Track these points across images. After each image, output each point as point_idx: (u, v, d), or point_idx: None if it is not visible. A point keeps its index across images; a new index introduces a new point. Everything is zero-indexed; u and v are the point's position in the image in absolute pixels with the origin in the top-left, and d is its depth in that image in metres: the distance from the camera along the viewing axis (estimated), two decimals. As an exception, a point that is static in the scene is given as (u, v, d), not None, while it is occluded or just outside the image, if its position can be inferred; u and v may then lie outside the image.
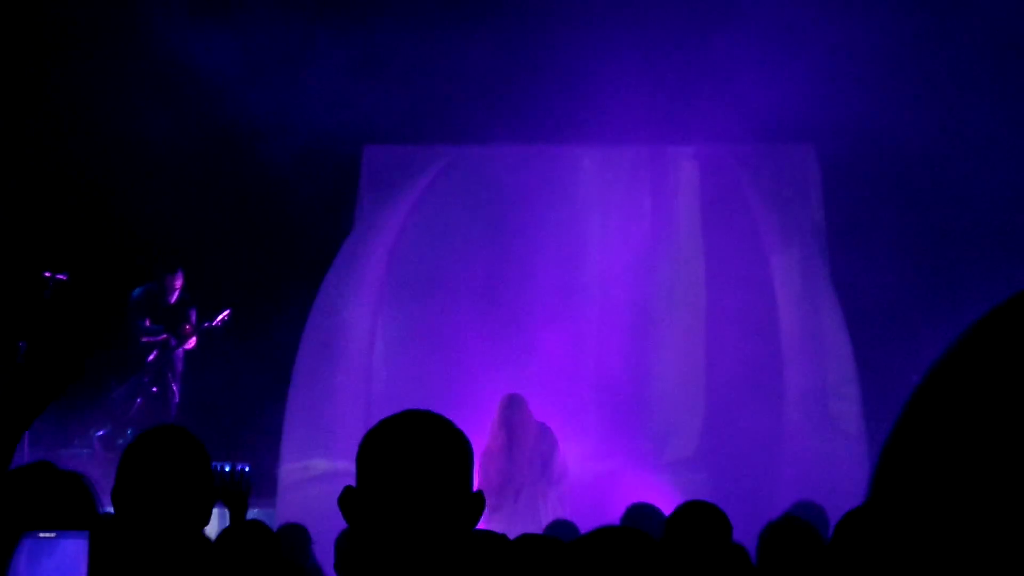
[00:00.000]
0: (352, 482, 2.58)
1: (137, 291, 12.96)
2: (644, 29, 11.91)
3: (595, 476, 11.46)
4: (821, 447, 11.01)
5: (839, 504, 10.13)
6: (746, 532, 6.53)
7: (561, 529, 8.06)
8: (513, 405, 10.51)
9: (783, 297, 11.58)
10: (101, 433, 12.73)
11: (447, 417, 2.64)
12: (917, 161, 11.99)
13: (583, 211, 12.06)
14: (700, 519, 4.87)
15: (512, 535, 3.92)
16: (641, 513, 6.79)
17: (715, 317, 11.83)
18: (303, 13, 12.64)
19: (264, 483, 11.45)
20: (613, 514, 8.27)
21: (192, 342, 12.80)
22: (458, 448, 2.58)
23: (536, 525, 9.97)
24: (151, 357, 12.85)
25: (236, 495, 4.85)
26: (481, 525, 2.89)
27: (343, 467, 10.70)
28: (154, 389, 12.80)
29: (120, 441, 12.35)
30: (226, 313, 12.66)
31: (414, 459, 2.54)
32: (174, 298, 12.87)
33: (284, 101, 12.21)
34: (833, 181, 11.88)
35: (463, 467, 2.59)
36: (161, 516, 3.38)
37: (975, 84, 12.06)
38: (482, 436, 10.24)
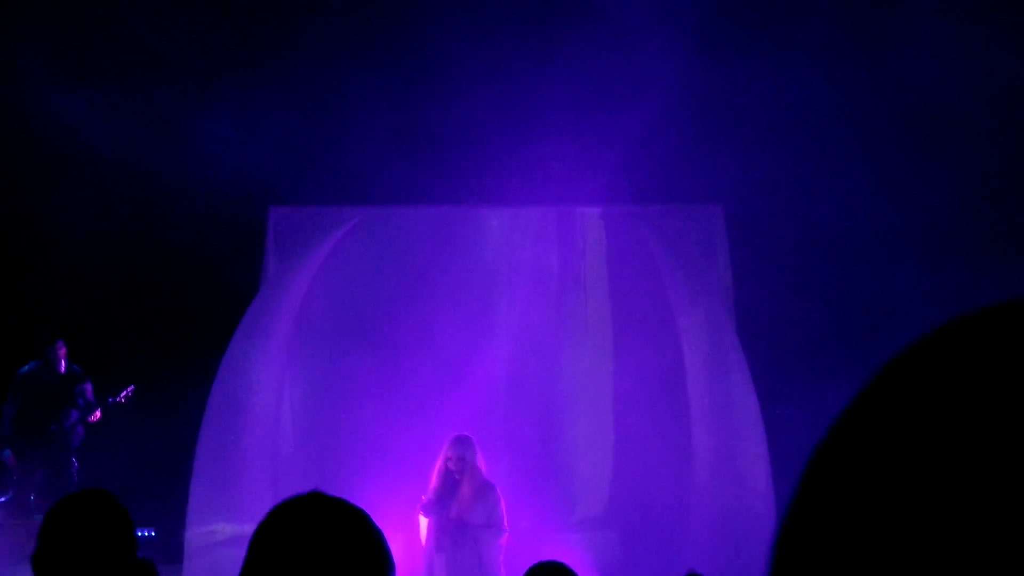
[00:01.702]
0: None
1: (24, 369, 12.79)
2: (550, 91, 12.00)
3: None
4: (730, 505, 11.05)
5: (747, 562, 10.29)
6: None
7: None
8: (459, 448, 10.46)
9: (690, 356, 11.65)
10: (3, 499, 12.54)
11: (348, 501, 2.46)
12: (823, 218, 12.16)
13: (491, 272, 12.10)
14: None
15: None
16: (545, 572, 6.83)
17: (623, 376, 11.89)
18: (204, 74, 12.61)
19: (171, 547, 11.50)
20: (519, 572, 8.53)
21: (97, 415, 12.62)
22: (365, 542, 2.38)
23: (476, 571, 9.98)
24: (52, 428, 12.66)
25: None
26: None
27: (250, 530, 10.50)
28: (48, 467, 12.63)
29: (27, 506, 12.23)
30: (130, 389, 12.48)
31: (310, 559, 2.34)
32: (63, 367, 12.69)
33: (184, 165, 12.13)
34: (739, 240, 11.99)
35: (372, 562, 2.37)
36: None
37: (882, 142, 12.31)
38: (389, 499, 10.28)
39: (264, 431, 11.57)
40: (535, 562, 6.87)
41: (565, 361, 12.00)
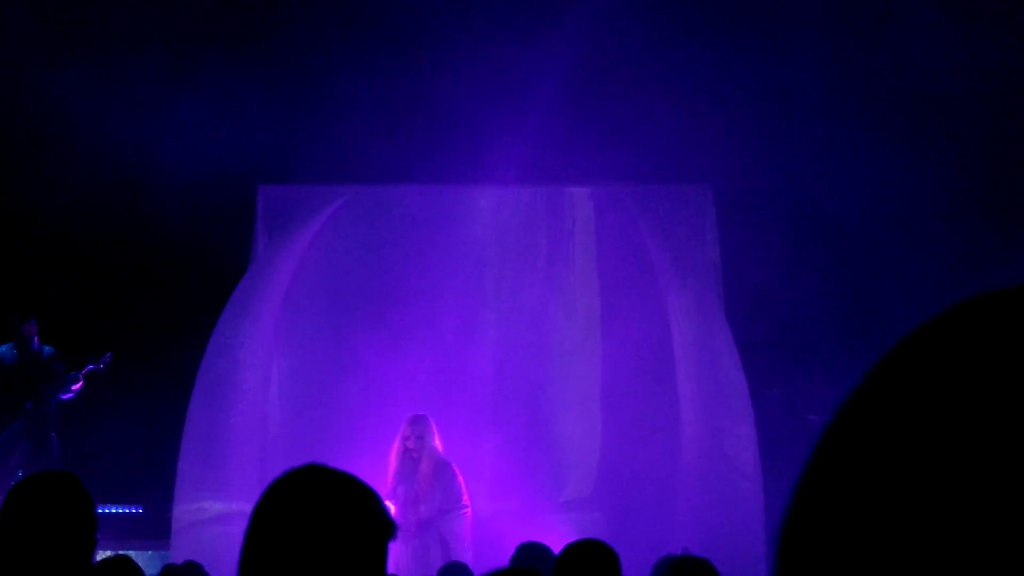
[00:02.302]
0: (245, 508, 2.49)
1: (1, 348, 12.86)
2: (541, 70, 11.98)
3: (491, 515, 11.53)
4: (717, 487, 11.05)
5: (736, 543, 10.33)
6: (641, 572, 6.59)
7: (454, 572, 8.12)
8: (416, 427, 10.60)
9: (679, 337, 11.64)
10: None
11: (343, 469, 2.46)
12: (814, 199, 12.16)
13: (480, 251, 12.07)
14: (589, 557, 4.88)
15: (404, 569, 3.89)
16: (531, 552, 6.81)
17: (611, 357, 11.86)
18: (191, 52, 12.59)
19: (158, 525, 11.61)
20: (506, 553, 8.29)
21: (78, 386, 12.62)
22: (361, 512, 2.38)
23: (426, 563, 9.96)
24: (28, 405, 12.67)
25: None
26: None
27: (238, 508, 10.63)
28: (26, 443, 12.67)
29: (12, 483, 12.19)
30: (108, 355, 12.50)
31: (313, 530, 2.35)
32: (35, 344, 12.74)
33: (172, 144, 12.13)
34: (729, 220, 11.99)
35: (368, 536, 2.38)
36: (41, 560, 3.36)
37: (874, 122, 12.28)
38: (375, 477, 10.23)
39: (252, 409, 11.56)
40: (520, 543, 7.10)
41: (554, 341, 11.97)
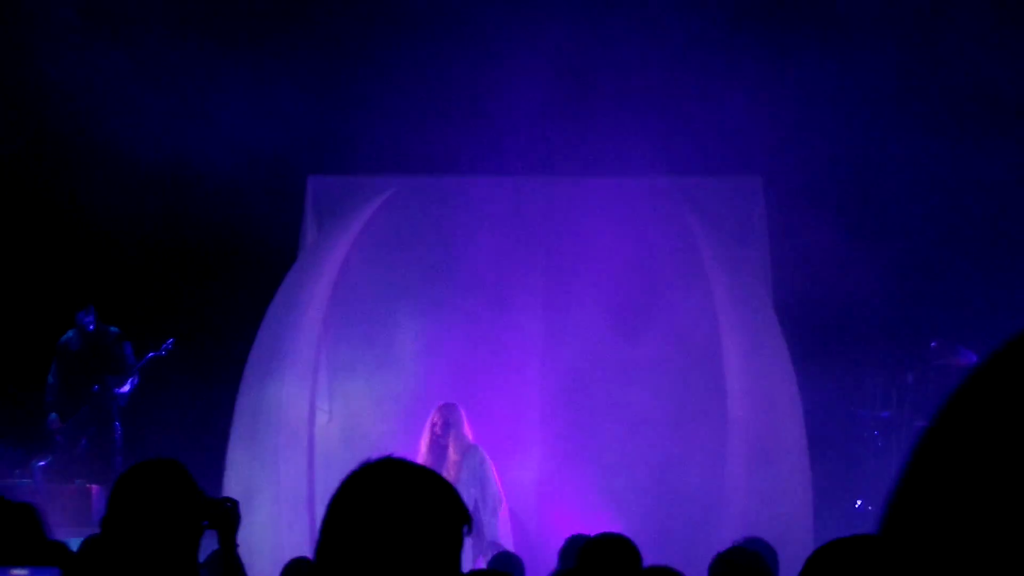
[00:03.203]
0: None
1: (62, 339, 13.06)
2: (592, 61, 11.99)
3: (538, 503, 11.59)
4: (765, 484, 10.94)
5: (784, 538, 10.27)
6: (690, 564, 6.57)
7: (506, 562, 8.19)
8: (444, 413, 10.61)
9: (727, 330, 11.52)
10: (42, 463, 12.72)
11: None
12: (866, 192, 12.17)
13: (530, 243, 12.03)
14: (611, 552, 4.93)
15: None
16: (580, 545, 6.84)
17: (659, 350, 11.75)
18: (243, 40, 12.61)
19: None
20: (554, 543, 8.55)
21: (129, 385, 12.82)
22: (440, 504, 2.40)
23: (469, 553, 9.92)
24: (95, 389, 12.83)
25: (227, 520, 4.92)
26: None
27: (286, 500, 10.87)
28: (92, 429, 12.85)
29: (67, 471, 12.41)
30: (170, 341, 12.64)
31: (393, 521, 2.37)
32: (91, 327, 12.94)
33: (223, 133, 12.13)
34: (778, 212, 11.89)
35: (449, 531, 2.40)
36: (151, 545, 3.47)
37: (934, 114, 12.15)
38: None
39: (299, 400, 11.53)
40: (570, 535, 7.31)
41: (601, 335, 11.88)
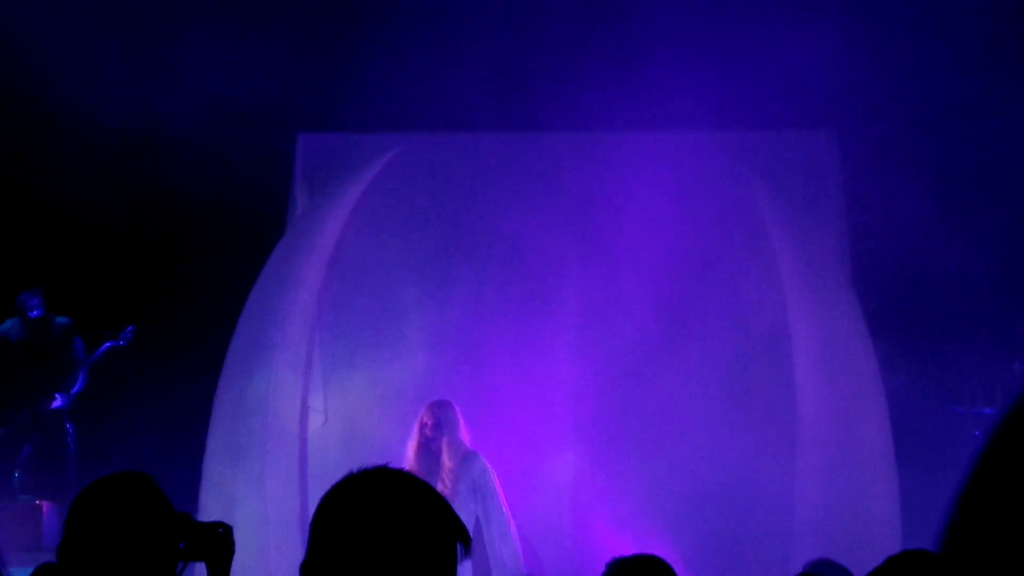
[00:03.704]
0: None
1: (2, 327, 13.01)
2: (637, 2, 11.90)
3: (572, 521, 11.56)
4: (844, 491, 10.91)
5: (864, 558, 10.11)
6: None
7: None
8: (436, 412, 10.48)
9: (796, 308, 11.47)
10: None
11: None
12: (962, 153, 11.96)
13: (560, 212, 11.92)
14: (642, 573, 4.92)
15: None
16: (629, 569, 6.66)
17: (715, 332, 11.67)
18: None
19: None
20: (591, 568, 8.22)
21: (74, 390, 12.68)
22: (434, 519, 2.51)
23: None
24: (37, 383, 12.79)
25: (219, 550, 4.78)
26: None
27: (273, 506, 10.98)
28: (37, 434, 12.80)
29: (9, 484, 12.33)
30: (130, 329, 12.53)
31: (384, 537, 2.47)
32: (34, 314, 12.89)
33: (200, 84, 12.03)
34: (855, 174, 11.78)
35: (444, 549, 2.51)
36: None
37: (1007, 61, 12.04)
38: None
39: (289, 393, 11.56)
40: (611, 559, 6.89)
41: (646, 321, 11.71)
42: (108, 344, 12.65)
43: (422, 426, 10.46)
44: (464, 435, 10.53)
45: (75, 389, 12.79)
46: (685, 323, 11.68)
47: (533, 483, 11.31)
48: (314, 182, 12.16)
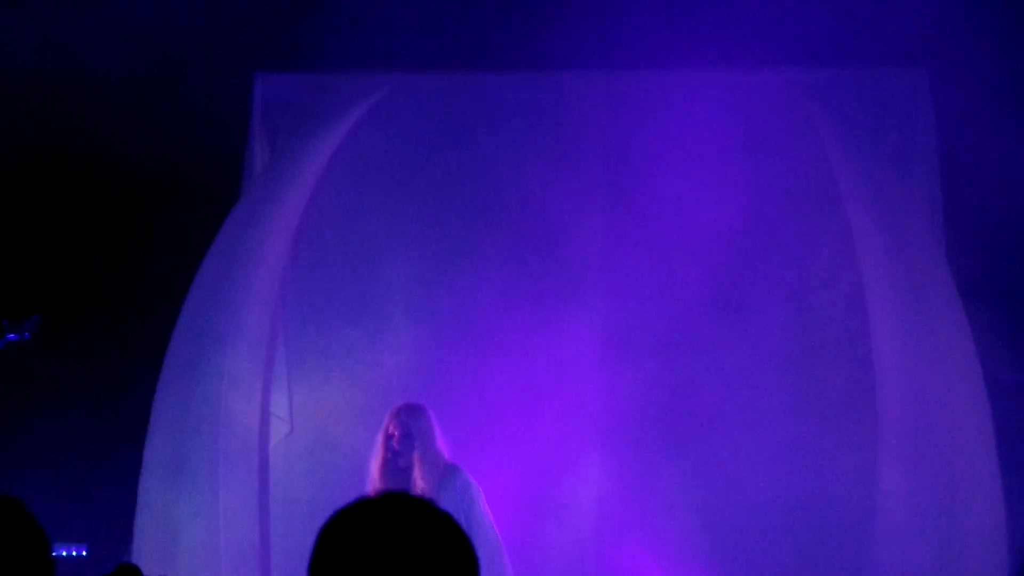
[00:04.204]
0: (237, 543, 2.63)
1: None
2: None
3: (596, 547, 11.41)
4: (935, 497, 10.64)
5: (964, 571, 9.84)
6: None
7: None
8: (403, 420, 10.29)
9: (876, 284, 11.22)
10: None
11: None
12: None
13: (583, 166, 11.74)
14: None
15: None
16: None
17: (778, 317, 11.50)
18: None
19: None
20: None
21: None
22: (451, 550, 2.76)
23: None
24: None
25: None
26: None
27: (230, 543, 10.80)
28: None
29: None
30: (34, 319, 11.84)
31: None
32: None
33: (131, 12, 11.78)
34: (957, 122, 11.52)
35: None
36: None
37: None
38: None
39: (246, 398, 11.28)
40: None
41: (691, 296, 11.52)
42: (9, 336, 11.88)
43: (387, 438, 10.24)
44: (441, 446, 10.31)
45: None
46: (741, 306, 11.60)
47: (548, 506, 11.24)
48: (276, 134, 12.02)
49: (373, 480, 10.13)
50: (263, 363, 11.40)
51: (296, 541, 9.95)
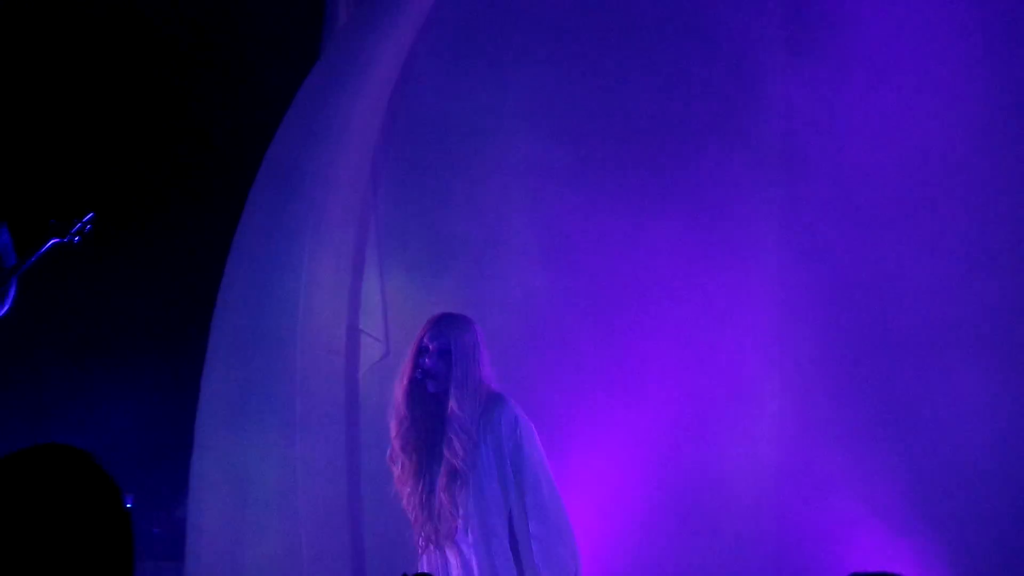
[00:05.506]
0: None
1: None
2: None
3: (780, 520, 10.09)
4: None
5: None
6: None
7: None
8: (437, 332, 8.84)
9: None
10: None
11: None
12: None
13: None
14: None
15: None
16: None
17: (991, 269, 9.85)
18: None
19: (166, 531, 11.39)
20: None
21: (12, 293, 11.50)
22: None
23: None
24: None
25: None
26: None
27: (309, 499, 9.95)
28: None
29: None
30: (89, 217, 11.13)
31: None
32: None
33: None
34: None
35: None
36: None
37: None
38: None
39: (332, 317, 10.30)
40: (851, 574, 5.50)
41: (877, 234, 9.97)
42: (53, 241, 11.25)
43: (418, 353, 8.69)
44: (486, 371, 8.74)
45: (4, 309, 11.58)
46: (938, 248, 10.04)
47: (729, 437, 10.00)
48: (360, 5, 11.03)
49: (397, 406, 8.71)
50: (351, 266, 10.38)
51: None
